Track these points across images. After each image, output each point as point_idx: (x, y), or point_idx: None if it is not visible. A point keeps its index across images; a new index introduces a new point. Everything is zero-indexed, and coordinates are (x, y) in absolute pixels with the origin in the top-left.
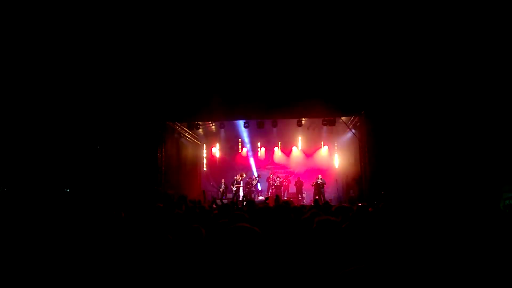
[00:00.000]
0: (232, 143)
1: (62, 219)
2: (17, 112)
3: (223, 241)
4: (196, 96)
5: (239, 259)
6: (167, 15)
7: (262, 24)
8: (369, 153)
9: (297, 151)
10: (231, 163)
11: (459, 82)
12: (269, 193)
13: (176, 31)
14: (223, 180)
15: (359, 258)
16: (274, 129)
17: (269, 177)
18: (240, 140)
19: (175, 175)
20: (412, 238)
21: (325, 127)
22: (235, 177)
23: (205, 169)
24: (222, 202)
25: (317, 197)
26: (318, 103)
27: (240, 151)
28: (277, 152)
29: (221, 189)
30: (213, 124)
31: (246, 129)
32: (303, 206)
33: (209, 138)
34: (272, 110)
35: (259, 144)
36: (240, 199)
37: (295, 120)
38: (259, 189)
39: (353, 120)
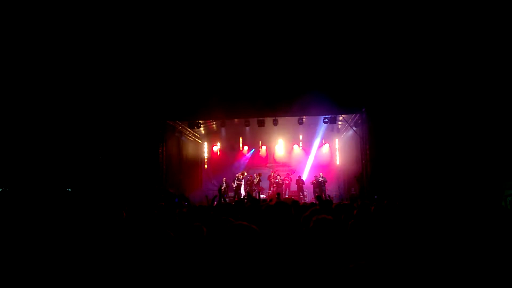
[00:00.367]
0: (233, 141)
1: (63, 219)
2: (18, 112)
3: (221, 240)
4: (196, 94)
5: (236, 257)
6: (167, 14)
7: (261, 22)
8: (370, 150)
9: (298, 149)
10: (232, 161)
11: (461, 80)
12: (270, 191)
13: (175, 30)
14: (224, 178)
15: (358, 256)
16: (275, 127)
17: (270, 175)
18: (241, 138)
19: (176, 173)
20: (414, 236)
21: (326, 124)
22: (236, 175)
23: (206, 167)
24: (224, 200)
25: (317, 194)
26: (319, 101)
27: (241, 149)
28: (278, 150)
29: (222, 188)
30: (214, 122)
31: (246, 127)
32: (305, 204)
33: (210, 136)
34: (272, 108)
35: (260, 142)
36: (242, 197)
37: (296, 118)
38: (263, 187)
39: (354, 117)
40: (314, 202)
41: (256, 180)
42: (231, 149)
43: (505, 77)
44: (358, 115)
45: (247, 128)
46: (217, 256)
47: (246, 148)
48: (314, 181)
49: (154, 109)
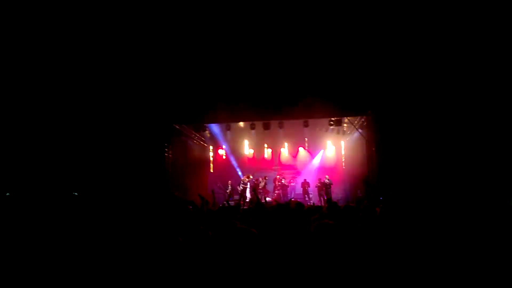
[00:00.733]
0: (238, 144)
1: (71, 222)
2: (25, 116)
3: (222, 243)
4: (201, 98)
5: (235, 259)
6: (168, 19)
7: (266, 25)
8: (377, 153)
9: (303, 152)
10: (238, 164)
11: (469, 80)
12: (275, 194)
13: (179, 35)
14: (229, 181)
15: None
16: (281, 130)
17: (276, 178)
18: (246, 141)
19: (182, 177)
20: (421, 238)
21: (331, 127)
22: (242, 178)
23: (212, 171)
24: (228, 204)
25: (323, 197)
26: (324, 103)
27: (246, 152)
28: (284, 153)
29: (228, 191)
30: (220, 126)
31: (252, 131)
32: (310, 207)
33: (216, 140)
34: (277, 111)
35: (265, 145)
36: (247, 200)
37: (301, 121)
38: (268, 190)
39: (360, 119)
40: (319, 205)
41: (262, 184)
42: (237, 152)
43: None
44: (364, 117)
45: (253, 131)
46: (219, 258)
47: (251, 151)
48: (319, 184)
49: (160, 113)
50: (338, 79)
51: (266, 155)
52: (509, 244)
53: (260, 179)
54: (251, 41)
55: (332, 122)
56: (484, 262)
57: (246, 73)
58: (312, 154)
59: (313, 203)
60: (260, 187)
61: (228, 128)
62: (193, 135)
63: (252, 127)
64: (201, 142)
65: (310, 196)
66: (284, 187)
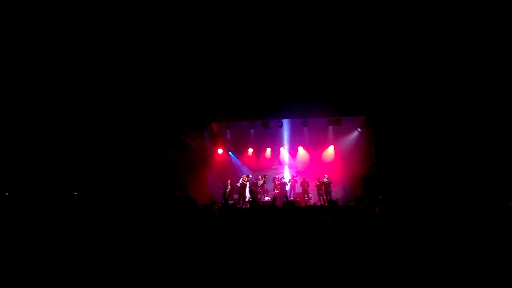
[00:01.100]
0: (237, 144)
1: (71, 222)
2: (27, 116)
3: (218, 242)
4: (201, 98)
5: (230, 258)
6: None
7: (266, 25)
8: (375, 152)
9: (302, 151)
10: (237, 164)
11: (467, 81)
12: (275, 193)
13: (178, 35)
14: (229, 181)
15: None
16: (280, 129)
17: (275, 177)
18: (245, 141)
19: (182, 176)
20: (419, 237)
21: (331, 126)
22: (242, 177)
23: (211, 170)
24: (227, 202)
25: (323, 196)
26: (324, 103)
27: (246, 152)
28: (283, 152)
29: (227, 190)
30: (219, 125)
31: (251, 130)
32: (309, 206)
33: (215, 139)
34: (276, 110)
35: (265, 144)
36: (247, 199)
37: (300, 120)
38: (268, 189)
39: (359, 119)
40: (317, 204)
41: (260, 182)
42: (236, 151)
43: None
44: (363, 116)
45: (252, 130)
46: (216, 256)
47: (251, 150)
48: (318, 183)
49: (160, 113)
50: (338, 79)
51: (265, 154)
52: (507, 242)
53: (260, 177)
54: (251, 41)
55: (331, 122)
56: (482, 261)
57: (244, 72)
58: (311, 153)
59: (314, 203)
60: (259, 186)
61: (227, 127)
62: (193, 135)
63: (252, 126)
64: (201, 142)
65: (310, 195)
66: (283, 186)
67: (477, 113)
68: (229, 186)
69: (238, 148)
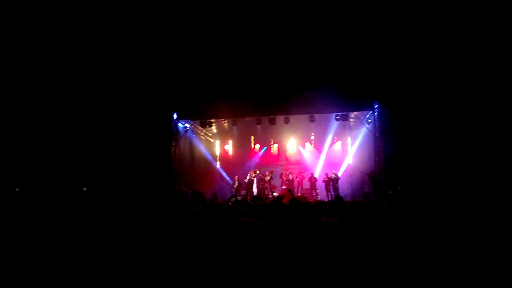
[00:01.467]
0: (244, 140)
1: (79, 217)
2: (34, 114)
3: (227, 236)
4: (207, 93)
5: (241, 253)
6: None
7: (271, 18)
8: (383, 147)
9: (309, 147)
10: (244, 159)
11: (477, 74)
12: (282, 189)
13: (185, 31)
14: (236, 177)
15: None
16: (286, 125)
17: (282, 173)
18: (252, 137)
19: (189, 172)
20: (428, 234)
21: (338, 122)
22: (249, 173)
23: (218, 166)
24: (236, 199)
25: (330, 192)
26: (330, 98)
27: (252, 148)
28: (290, 148)
29: (234, 186)
30: (226, 121)
31: (258, 126)
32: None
33: (222, 135)
34: (282, 106)
35: (272, 140)
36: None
37: (307, 116)
38: (275, 185)
39: (366, 114)
40: (323, 200)
41: (267, 178)
42: (243, 147)
43: None
44: (370, 112)
45: (259, 126)
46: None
47: (257, 146)
48: (326, 179)
49: (166, 108)
50: (344, 73)
51: (272, 150)
52: None
53: (267, 173)
54: (255, 35)
55: (338, 117)
56: (495, 261)
57: (250, 67)
58: (318, 149)
59: (321, 200)
60: (266, 182)
61: (234, 124)
62: (200, 131)
63: (258, 122)
64: (208, 138)
65: (317, 191)
66: (290, 182)
67: (487, 107)
68: (236, 182)
69: (244, 144)
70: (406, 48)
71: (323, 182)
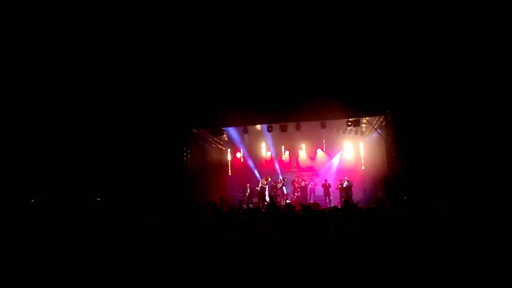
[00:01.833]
0: (255, 147)
1: (93, 227)
2: (48, 124)
3: (241, 246)
4: (219, 102)
5: (255, 263)
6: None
7: (281, 24)
8: (396, 153)
9: (321, 154)
10: (256, 167)
11: (486, 78)
12: (295, 196)
13: (194, 41)
14: (248, 184)
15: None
16: (298, 132)
17: (294, 180)
18: (263, 144)
19: (201, 181)
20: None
21: (349, 128)
22: (261, 180)
23: (230, 174)
24: (248, 207)
25: (344, 199)
26: (341, 103)
27: (264, 155)
28: (302, 155)
29: (246, 194)
30: (237, 129)
31: (269, 133)
32: (334, 209)
33: (233, 143)
34: (293, 112)
35: (283, 147)
36: (266, 203)
37: (318, 122)
38: (285, 192)
39: (378, 119)
40: (337, 207)
41: (279, 185)
42: (255, 155)
43: None
44: (382, 117)
45: (270, 133)
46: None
47: (269, 153)
48: (340, 186)
49: (177, 117)
50: (355, 78)
51: (284, 157)
52: None
53: (279, 180)
54: (266, 42)
55: (350, 123)
56: (497, 261)
57: (261, 75)
58: (330, 155)
59: (334, 206)
60: (278, 189)
61: (245, 131)
62: (211, 139)
63: (269, 130)
64: (219, 146)
65: (331, 198)
66: (303, 189)
67: (501, 111)
68: (248, 190)
69: (256, 151)
70: (419, 51)
71: (337, 189)
